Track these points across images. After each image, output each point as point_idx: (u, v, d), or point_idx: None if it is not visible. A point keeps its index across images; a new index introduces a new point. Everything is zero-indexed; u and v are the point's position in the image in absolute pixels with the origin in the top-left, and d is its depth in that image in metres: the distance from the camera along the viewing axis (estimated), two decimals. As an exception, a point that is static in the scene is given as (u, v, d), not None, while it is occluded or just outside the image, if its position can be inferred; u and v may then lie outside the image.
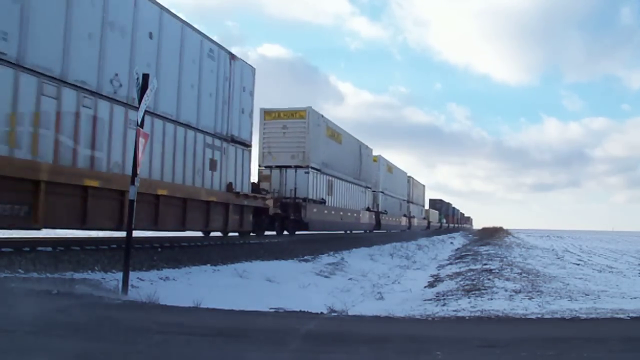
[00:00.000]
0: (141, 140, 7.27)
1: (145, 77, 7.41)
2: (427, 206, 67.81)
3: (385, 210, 37.58)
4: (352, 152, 28.71)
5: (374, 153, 35.30)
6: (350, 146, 28.49)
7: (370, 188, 32.84)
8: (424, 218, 59.80)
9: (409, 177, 48.65)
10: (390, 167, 40.51)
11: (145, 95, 7.31)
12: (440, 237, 47.00)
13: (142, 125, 7.33)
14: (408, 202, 47.67)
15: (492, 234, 50.07)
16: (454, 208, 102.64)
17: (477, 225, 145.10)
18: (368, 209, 32.30)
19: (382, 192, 36.93)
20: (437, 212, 75.41)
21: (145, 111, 7.50)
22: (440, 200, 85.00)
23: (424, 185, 60.50)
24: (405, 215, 45.71)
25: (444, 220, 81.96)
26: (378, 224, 35.15)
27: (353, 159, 28.97)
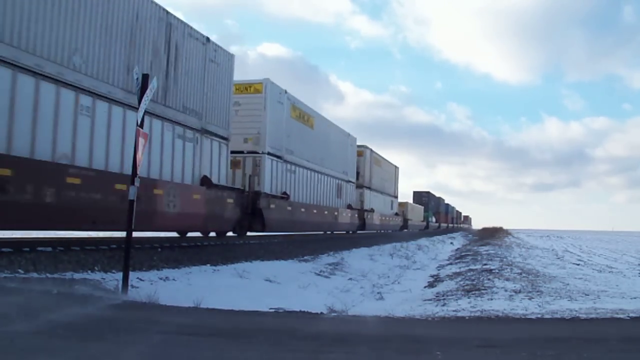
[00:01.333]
0: (141, 140, 7.27)
1: (145, 77, 7.40)
2: (405, 199, 52.84)
3: (285, 194, 18.74)
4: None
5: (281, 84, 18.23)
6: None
7: (223, 138, 14.78)
8: (397, 214, 42.57)
9: (363, 146, 30.72)
10: (304, 115, 20.77)
11: (145, 96, 7.31)
12: (440, 237, 46.94)
13: (142, 125, 7.33)
14: (361, 187, 30.36)
15: (492, 234, 49.90)
16: (447, 205, 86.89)
17: (477, 225, 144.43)
18: (203, 184, 13.69)
19: (274, 158, 17.87)
20: (421, 207, 59.33)
21: None
22: (428, 193, 67.06)
23: (396, 167, 41.18)
24: (350, 207, 27.51)
25: (433, 219, 67.26)
26: (255, 217, 16.47)
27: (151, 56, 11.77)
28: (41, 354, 3.69)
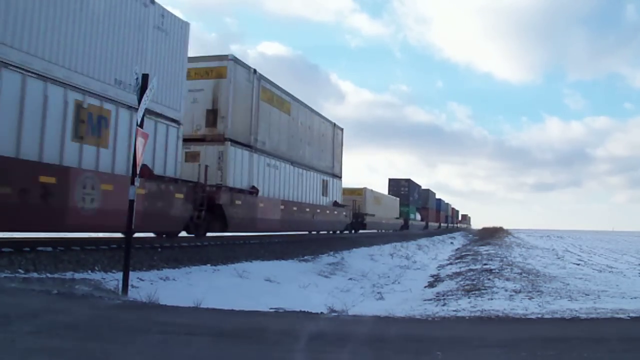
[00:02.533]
0: (141, 140, 7.27)
1: (145, 77, 7.40)
2: (377, 187, 38.77)
3: None
4: None
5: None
6: None
7: None
8: (338, 204, 26.20)
9: (227, 58, 15.13)
10: None
11: (144, 96, 7.31)
12: (440, 237, 46.84)
13: (142, 125, 7.33)
14: (220, 140, 14.89)
15: (492, 234, 49.83)
16: (439, 200, 71.34)
17: (477, 225, 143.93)
18: None
19: None
20: (396, 199, 44.07)
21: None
22: (408, 182, 48.93)
23: (336, 126, 26.21)
24: (164, 181, 11.92)
25: (417, 216, 51.99)
26: None
27: None
28: (41, 354, 3.69)
